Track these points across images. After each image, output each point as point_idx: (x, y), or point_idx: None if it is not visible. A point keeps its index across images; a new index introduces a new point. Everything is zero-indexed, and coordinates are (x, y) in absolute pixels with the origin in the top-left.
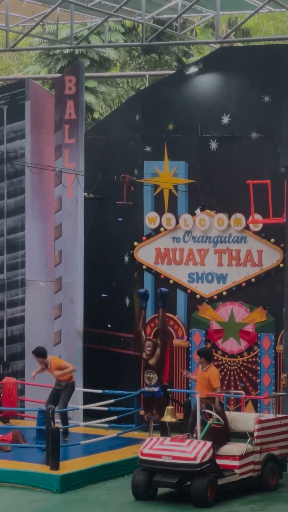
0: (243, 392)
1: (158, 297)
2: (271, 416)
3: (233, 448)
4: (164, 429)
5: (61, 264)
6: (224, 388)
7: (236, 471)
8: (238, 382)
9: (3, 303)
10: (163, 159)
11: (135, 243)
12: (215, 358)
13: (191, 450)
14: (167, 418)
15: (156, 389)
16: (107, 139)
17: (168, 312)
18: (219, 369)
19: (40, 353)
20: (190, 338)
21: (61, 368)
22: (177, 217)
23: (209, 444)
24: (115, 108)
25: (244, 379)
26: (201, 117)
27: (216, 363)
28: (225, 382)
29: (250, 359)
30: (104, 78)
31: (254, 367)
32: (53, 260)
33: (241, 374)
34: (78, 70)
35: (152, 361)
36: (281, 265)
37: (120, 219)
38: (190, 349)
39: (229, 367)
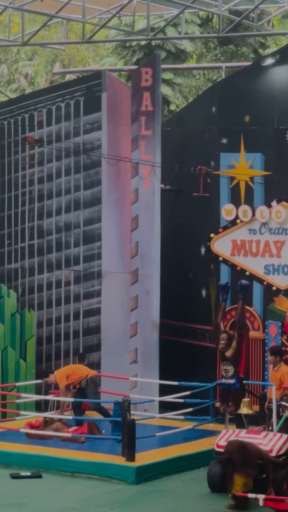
0: None
1: (238, 290)
2: None
3: None
4: (240, 421)
5: (137, 255)
6: None
7: None
8: None
9: (79, 295)
10: (240, 151)
11: (212, 235)
12: None
13: (267, 442)
14: (244, 410)
15: (232, 381)
16: (184, 131)
17: (245, 304)
18: None
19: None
20: (266, 330)
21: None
22: (253, 209)
23: (285, 436)
24: (192, 100)
25: None
26: (277, 108)
27: None
28: None
29: None
30: (181, 70)
31: None
32: (130, 251)
33: None
34: (155, 62)
35: (228, 353)
36: None
37: None
38: (266, 341)
39: None
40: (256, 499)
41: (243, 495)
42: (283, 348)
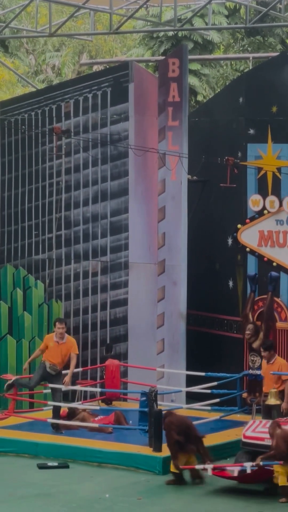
0: None
1: (268, 281)
2: None
3: None
4: (267, 412)
5: (164, 246)
6: None
7: None
8: None
9: (106, 285)
10: (267, 142)
11: (239, 226)
12: None
13: None
14: (271, 401)
15: (259, 372)
16: (211, 121)
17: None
18: None
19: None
20: None
21: (71, 355)
22: (280, 200)
23: None
24: (219, 90)
25: None
26: None
27: None
28: None
29: None
30: (208, 61)
31: None
32: (157, 242)
33: None
34: (182, 53)
35: (255, 344)
36: None
37: None
38: None
39: None
40: (205, 469)
41: (190, 467)
42: None
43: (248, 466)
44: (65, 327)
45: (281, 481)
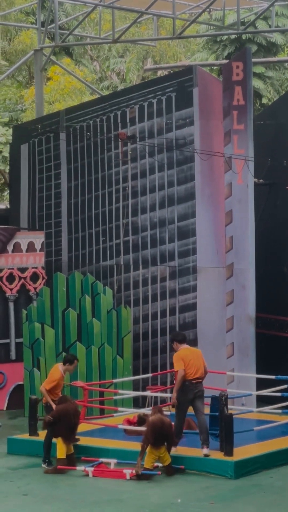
0: None
1: None
2: None
3: None
4: None
5: (232, 250)
6: None
7: None
8: None
9: (175, 290)
10: None
11: None
12: None
13: None
14: None
15: None
16: (276, 124)
17: None
18: None
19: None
20: None
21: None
22: None
23: None
24: (284, 93)
25: None
26: None
27: None
28: None
29: None
30: (272, 63)
31: None
32: (224, 246)
33: None
34: (246, 56)
35: None
36: None
37: None
38: None
39: None
40: (85, 471)
41: (71, 468)
42: None
43: (128, 473)
44: None
45: (146, 462)
